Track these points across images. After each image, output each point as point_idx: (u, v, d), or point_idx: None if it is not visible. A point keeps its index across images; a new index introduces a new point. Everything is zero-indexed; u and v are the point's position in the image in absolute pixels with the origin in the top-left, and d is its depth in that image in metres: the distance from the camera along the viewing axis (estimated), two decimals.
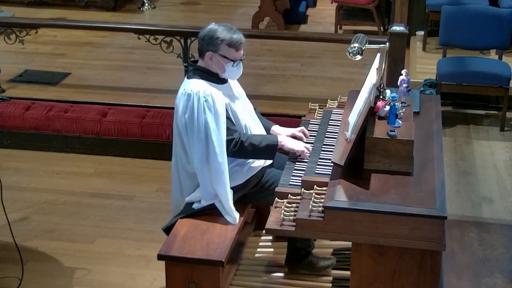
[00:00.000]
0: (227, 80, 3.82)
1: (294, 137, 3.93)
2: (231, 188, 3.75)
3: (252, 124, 3.87)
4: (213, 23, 3.74)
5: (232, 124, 3.70)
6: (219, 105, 3.63)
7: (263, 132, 3.95)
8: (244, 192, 3.83)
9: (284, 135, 3.88)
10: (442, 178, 3.31)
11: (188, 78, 3.77)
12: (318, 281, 3.99)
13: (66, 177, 5.54)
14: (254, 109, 4.06)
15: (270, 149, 3.74)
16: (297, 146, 3.78)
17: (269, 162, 3.89)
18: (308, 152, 3.76)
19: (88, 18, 8.78)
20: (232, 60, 3.71)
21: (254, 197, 3.89)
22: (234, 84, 3.91)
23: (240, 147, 3.67)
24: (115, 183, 5.45)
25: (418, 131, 3.59)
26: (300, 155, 3.75)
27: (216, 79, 3.75)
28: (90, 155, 5.88)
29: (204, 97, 3.63)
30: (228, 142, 3.65)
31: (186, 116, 3.66)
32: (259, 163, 3.83)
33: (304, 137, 3.93)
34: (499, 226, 4.81)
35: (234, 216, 3.74)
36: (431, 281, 3.18)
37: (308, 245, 3.97)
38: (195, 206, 3.78)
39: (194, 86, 3.68)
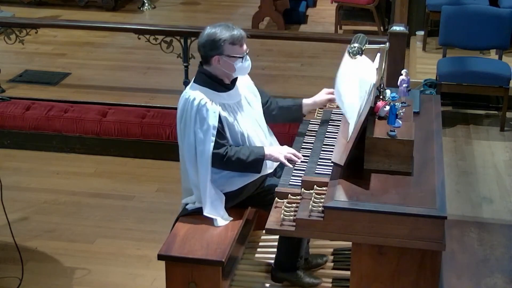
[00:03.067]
0: (234, 85, 3.74)
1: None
2: (225, 194, 3.73)
3: (254, 133, 3.77)
4: (209, 27, 3.64)
5: (222, 137, 3.62)
6: (211, 117, 3.56)
7: (265, 141, 3.85)
8: (239, 200, 3.79)
9: (270, 146, 3.78)
10: (442, 178, 3.30)
11: (194, 81, 3.71)
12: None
13: (66, 177, 5.54)
14: (272, 100, 4.02)
15: (257, 163, 3.66)
16: (282, 156, 3.65)
17: (270, 170, 3.84)
18: (297, 158, 3.66)
19: (88, 18, 8.78)
20: (240, 57, 3.64)
21: (252, 201, 3.85)
22: (242, 86, 3.82)
23: (227, 161, 3.61)
24: (115, 183, 5.45)
25: (418, 131, 3.58)
26: (291, 162, 3.65)
27: (221, 86, 3.68)
28: (90, 155, 5.88)
29: (198, 107, 3.57)
30: (215, 155, 3.59)
31: (181, 122, 3.66)
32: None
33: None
34: (499, 226, 4.81)
35: (217, 220, 3.70)
36: (431, 281, 3.18)
37: (296, 259, 3.87)
38: (188, 207, 3.79)
39: (193, 93, 3.63)
